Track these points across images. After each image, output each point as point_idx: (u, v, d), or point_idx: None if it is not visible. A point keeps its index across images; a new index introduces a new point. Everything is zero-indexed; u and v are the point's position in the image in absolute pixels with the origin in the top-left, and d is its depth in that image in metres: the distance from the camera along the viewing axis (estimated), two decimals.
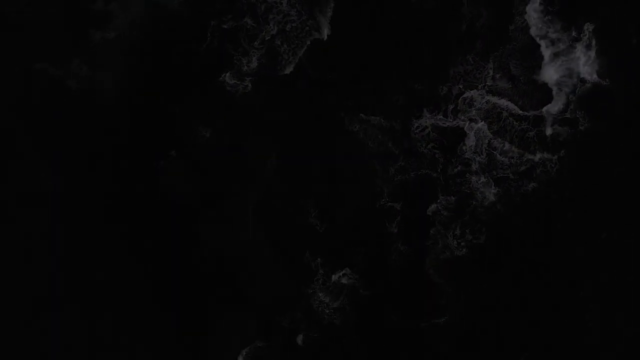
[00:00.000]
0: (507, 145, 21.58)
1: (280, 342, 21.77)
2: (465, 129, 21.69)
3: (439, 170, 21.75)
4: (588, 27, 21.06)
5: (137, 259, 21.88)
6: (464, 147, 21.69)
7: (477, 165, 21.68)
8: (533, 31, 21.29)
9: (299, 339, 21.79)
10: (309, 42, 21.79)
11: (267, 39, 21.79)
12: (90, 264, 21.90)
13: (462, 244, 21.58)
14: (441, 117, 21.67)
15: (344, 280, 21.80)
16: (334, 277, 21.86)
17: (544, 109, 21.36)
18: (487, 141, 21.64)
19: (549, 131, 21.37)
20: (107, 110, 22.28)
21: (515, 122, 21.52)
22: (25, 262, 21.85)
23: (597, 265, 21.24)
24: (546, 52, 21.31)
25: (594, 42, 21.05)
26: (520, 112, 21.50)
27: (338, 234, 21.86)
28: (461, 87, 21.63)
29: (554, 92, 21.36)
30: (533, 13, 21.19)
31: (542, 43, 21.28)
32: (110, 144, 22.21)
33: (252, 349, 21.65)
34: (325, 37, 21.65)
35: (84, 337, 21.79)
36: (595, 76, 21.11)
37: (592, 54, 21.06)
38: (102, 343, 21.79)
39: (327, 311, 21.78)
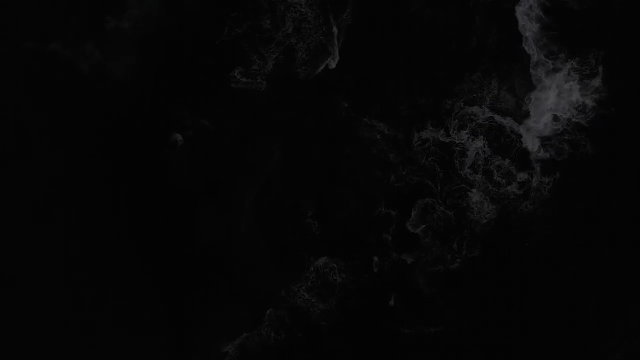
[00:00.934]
0: (506, 163, 21.92)
1: (267, 337, 21.85)
2: (465, 144, 22.01)
3: (437, 184, 22.03)
4: (594, 54, 21.52)
5: (134, 243, 22.06)
6: (463, 163, 22.01)
7: (475, 181, 22.00)
8: (537, 54, 21.73)
9: (279, 335, 21.93)
10: (322, 66, 22.22)
11: (283, 40, 22.18)
12: (88, 245, 22.03)
13: (457, 256, 21.80)
14: (443, 132, 22.02)
15: (334, 283, 21.95)
16: (325, 278, 22.01)
17: (542, 130, 21.72)
18: (486, 158, 21.98)
19: (545, 152, 21.73)
20: (116, 97, 22.53)
21: (515, 141, 21.88)
22: (24, 238, 22.00)
23: (591, 284, 21.46)
24: (550, 75, 21.73)
25: (599, 69, 21.48)
26: (521, 132, 21.86)
27: (333, 237, 22.08)
28: (464, 102, 21.99)
29: (554, 115, 21.74)
30: (535, 34, 21.67)
31: (547, 65, 21.71)
32: (116, 130, 22.44)
33: (239, 341, 21.73)
34: (337, 55, 22.09)
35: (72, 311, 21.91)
36: (596, 102, 21.51)
37: (597, 80, 21.49)
38: (90, 325, 21.85)
39: (315, 311, 21.90)
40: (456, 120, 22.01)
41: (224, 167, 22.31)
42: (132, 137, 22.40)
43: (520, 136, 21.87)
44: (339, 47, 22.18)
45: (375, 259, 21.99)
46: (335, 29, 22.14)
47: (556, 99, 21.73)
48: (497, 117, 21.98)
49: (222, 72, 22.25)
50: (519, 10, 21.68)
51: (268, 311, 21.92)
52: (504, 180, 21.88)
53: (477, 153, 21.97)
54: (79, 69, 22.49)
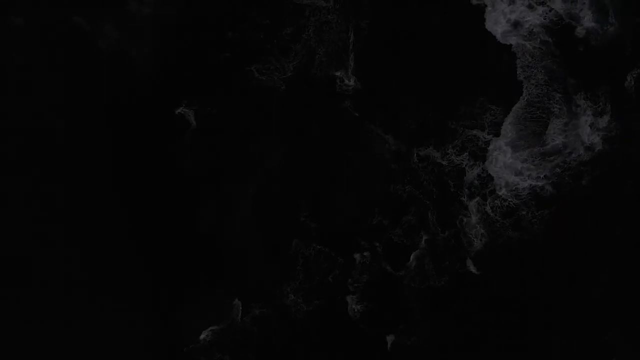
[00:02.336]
0: (502, 190, 22.26)
1: (250, 330, 21.95)
2: (464, 167, 22.37)
3: (432, 202, 22.35)
4: (603, 95, 22.04)
5: (132, 222, 22.29)
6: (460, 185, 22.36)
7: (470, 205, 22.33)
8: (545, 89, 22.22)
9: (262, 330, 22.03)
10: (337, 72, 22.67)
11: (304, 41, 22.60)
12: (89, 222, 22.23)
13: (443, 275, 22.07)
14: (442, 153, 22.37)
15: (321, 285, 22.15)
16: (312, 280, 22.20)
17: (542, 164, 22.11)
18: (482, 183, 22.33)
19: (541, 184, 22.09)
20: (129, 77, 22.77)
21: (508, 167, 22.24)
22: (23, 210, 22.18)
23: (571, 317, 21.84)
24: (556, 111, 22.21)
25: (608, 107, 21.98)
26: (516, 158, 22.23)
27: (326, 239, 22.32)
28: (467, 125, 22.38)
29: (554, 151, 22.15)
30: (544, 70, 22.16)
31: (554, 101, 22.19)
32: (124, 110, 22.64)
33: (222, 328, 21.82)
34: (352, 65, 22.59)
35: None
36: (599, 143, 21.96)
37: (605, 118, 21.94)
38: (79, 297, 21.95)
39: (299, 311, 22.03)
40: (458, 141, 22.40)
41: (229, 159, 22.57)
42: (140, 118, 22.60)
43: (518, 166, 22.22)
44: (355, 56, 22.61)
45: (362, 260, 22.22)
46: (352, 37, 22.61)
47: (558, 134, 22.12)
48: (498, 143, 22.35)
49: (238, 67, 22.59)
50: (530, 45, 22.21)
51: (254, 305, 22.04)
52: (497, 207, 22.19)
53: (474, 177, 22.32)
54: (96, 45, 22.75)
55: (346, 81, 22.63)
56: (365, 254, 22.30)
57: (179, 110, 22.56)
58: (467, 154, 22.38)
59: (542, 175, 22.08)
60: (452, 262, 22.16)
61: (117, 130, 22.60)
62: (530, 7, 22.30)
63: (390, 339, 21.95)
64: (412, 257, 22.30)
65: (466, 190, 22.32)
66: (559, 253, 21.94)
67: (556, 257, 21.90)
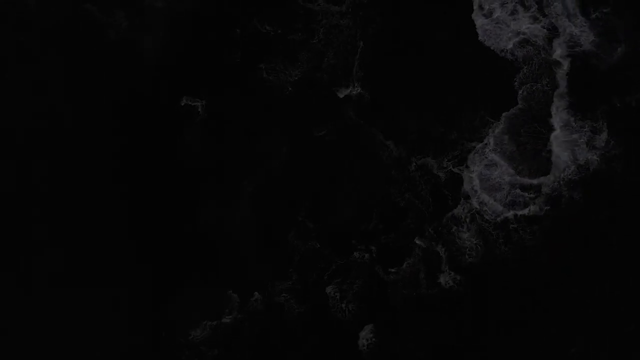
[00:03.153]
0: (495, 204, 22.47)
1: (242, 326, 22.05)
2: (463, 177, 22.60)
3: (429, 210, 22.55)
4: (602, 113, 22.31)
5: (132, 210, 22.48)
6: (456, 197, 22.58)
7: (464, 217, 22.51)
8: (544, 105, 22.51)
9: (253, 327, 22.14)
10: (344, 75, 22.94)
11: (314, 44, 22.86)
12: (86, 211, 22.39)
13: (434, 284, 22.22)
14: (440, 164, 22.59)
15: (315, 286, 22.31)
16: (306, 281, 22.37)
17: (537, 181, 22.33)
18: (477, 196, 22.54)
19: (532, 205, 22.28)
20: (137, 68, 23.01)
21: (505, 182, 22.45)
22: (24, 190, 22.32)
23: (557, 325, 22.00)
24: (555, 127, 22.47)
25: (605, 127, 22.24)
26: (514, 175, 22.45)
27: (323, 239, 22.47)
28: (468, 138, 22.63)
29: (552, 167, 22.39)
30: (547, 88, 22.47)
31: (552, 117, 22.47)
32: (131, 100, 22.86)
33: (215, 324, 21.99)
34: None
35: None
36: (595, 162, 22.19)
37: (600, 139, 22.19)
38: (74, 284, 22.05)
39: (292, 312, 22.14)
40: (457, 152, 22.64)
41: (232, 154, 22.77)
42: (145, 110, 22.80)
43: (516, 181, 22.45)
44: (361, 62, 22.87)
45: (356, 262, 22.38)
46: (360, 44, 22.88)
47: (557, 150, 22.38)
48: (496, 157, 22.59)
49: (247, 66, 22.85)
50: (530, 60, 22.52)
51: (248, 301, 22.16)
52: (491, 219, 22.37)
53: (471, 188, 22.53)
54: (106, 34, 22.98)
55: (351, 87, 22.84)
56: (359, 256, 22.41)
57: (184, 103, 22.76)
58: (465, 165, 22.59)
59: (536, 189, 22.28)
60: (444, 272, 22.27)
61: (120, 120, 22.82)
62: (532, 21, 22.59)
63: (364, 335, 21.98)
64: (405, 264, 22.43)
65: (462, 200, 22.49)
66: (550, 268, 22.06)
67: (547, 273, 22.03)
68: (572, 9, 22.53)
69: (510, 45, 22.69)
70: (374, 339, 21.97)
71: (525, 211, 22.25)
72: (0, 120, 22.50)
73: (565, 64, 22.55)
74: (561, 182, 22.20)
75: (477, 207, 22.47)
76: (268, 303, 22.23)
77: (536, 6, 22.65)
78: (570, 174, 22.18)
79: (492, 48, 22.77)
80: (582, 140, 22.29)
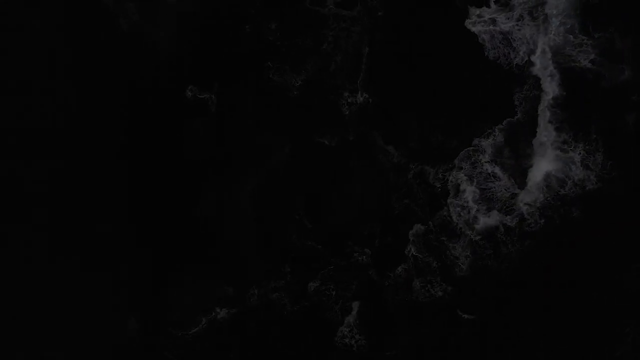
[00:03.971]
0: (489, 215, 22.81)
1: (236, 321, 22.27)
2: (459, 187, 22.94)
3: (425, 218, 22.89)
4: (599, 133, 22.75)
5: (132, 198, 22.79)
6: (453, 204, 22.91)
7: (459, 224, 22.85)
8: (543, 123, 22.94)
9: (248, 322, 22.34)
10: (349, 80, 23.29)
11: (324, 47, 23.22)
12: (89, 193, 22.63)
13: (427, 292, 22.53)
14: (440, 172, 22.94)
15: (309, 288, 22.56)
16: (299, 282, 22.62)
17: (524, 196, 22.72)
18: (472, 205, 22.90)
19: (526, 220, 22.66)
20: (146, 60, 23.27)
21: (501, 194, 22.83)
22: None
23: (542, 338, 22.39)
24: (552, 144, 22.90)
25: (601, 147, 22.65)
26: (511, 187, 22.82)
27: (318, 240, 22.83)
28: (469, 147, 23.02)
29: (543, 182, 22.78)
30: (550, 106, 22.88)
31: (551, 135, 22.90)
32: (139, 91, 23.15)
33: (211, 317, 22.27)
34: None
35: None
36: (590, 181, 22.57)
37: (596, 160, 22.63)
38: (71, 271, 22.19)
39: (285, 309, 22.37)
40: (456, 162, 23.01)
41: (236, 149, 23.09)
42: (152, 101, 23.07)
43: (512, 194, 22.81)
44: (367, 67, 23.23)
45: (350, 264, 22.66)
46: (367, 49, 23.25)
47: (549, 166, 22.77)
48: (494, 168, 22.95)
49: (255, 64, 23.14)
50: (532, 76, 22.97)
51: (242, 297, 22.37)
52: (483, 231, 22.69)
53: (466, 199, 22.87)
54: (118, 24, 23.18)
55: (356, 91, 23.22)
56: (353, 258, 22.69)
57: (190, 96, 22.99)
58: (462, 174, 22.94)
59: (529, 205, 22.67)
60: (435, 281, 22.57)
61: (128, 110, 23.11)
62: (535, 35, 23.01)
63: (354, 335, 22.20)
64: (399, 269, 22.72)
65: (458, 209, 22.83)
66: (537, 282, 22.45)
67: (535, 287, 22.42)
68: (573, 26, 22.96)
69: (513, 59, 23.11)
70: (363, 341, 22.25)
71: (519, 224, 22.60)
72: (13, 103, 22.67)
73: (564, 81, 22.96)
74: (555, 198, 22.58)
75: (471, 217, 22.83)
76: (262, 299, 22.49)
77: (541, 20, 23.08)
78: (564, 191, 22.55)
79: (496, 61, 23.15)
80: (577, 158, 22.71)
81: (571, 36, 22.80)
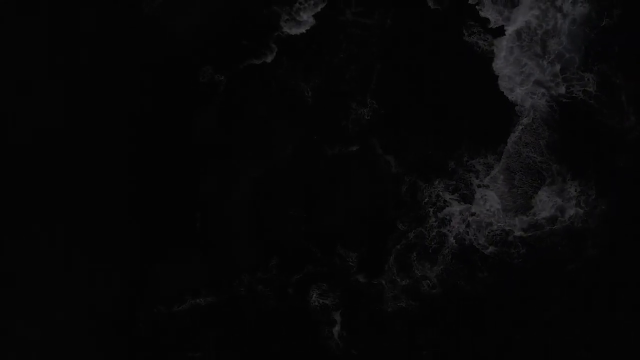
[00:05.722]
0: (477, 238, 23.17)
1: (219, 307, 23.15)
2: (451, 206, 23.29)
3: (414, 231, 23.35)
4: (592, 171, 22.92)
5: (135, 178, 23.62)
6: (443, 221, 23.32)
7: (440, 239, 23.29)
8: (540, 155, 23.17)
9: (231, 311, 23.14)
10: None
11: (341, 56, 23.72)
12: (91, 175, 23.45)
13: (398, 301, 23.11)
14: (436, 189, 23.31)
15: (293, 283, 23.29)
16: (286, 276, 23.34)
17: (511, 224, 23.04)
18: (461, 226, 23.27)
19: (513, 248, 22.99)
20: (166, 45, 23.88)
21: (488, 219, 23.18)
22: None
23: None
24: (546, 178, 23.14)
25: (593, 184, 22.85)
26: (499, 214, 23.16)
27: (308, 238, 23.50)
28: (465, 169, 23.35)
29: (538, 214, 23.06)
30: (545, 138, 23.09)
31: (547, 170, 23.13)
32: (156, 75, 23.84)
33: (196, 302, 23.10)
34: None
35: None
36: (578, 218, 22.84)
37: (588, 198, 22.82)
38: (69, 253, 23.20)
39: (268, 304, 23.11)
40: (453, 182, 23.36)
41: (240, 140, 23.72)
42: (166, 82, 23.75)
43: (499, 221, 23.14)
44: (378, 78, 23.59)
45: (336, 266, 23.36)
46: (379, 61, 23.60)
47: (543, 198, 23.04)
48: (487, 195, 23.26)
49: (273, 60, 23.71)
50: (532, 109, 23.16)
51: (229, 285, 23.23)
52: (468, 253, 23.11)
53: (457, 220, 23.24)
54: (140, 7, 23.73)
55: (365, 102, 23.70)
56: (340, 261, 23.30)
57: (203, 81, 23.57)
58: (457, 195, 23.28)
59: (519, 231, 23.01)
60: (403, 296, 23.12)
61: (141, 91, 23.80)
62: (540, 68, 23.14)
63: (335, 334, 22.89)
64: (383, 276, 23.25)
65: (447, 227, 23.23)
66: (508, 312, 22.90)
67: (505, 316, 22.86)
68: (573, 60, 23.06)
69: (517, 91, 23.32)
70: (344, 341, 22.92)
71: (499, 251, 22.99)
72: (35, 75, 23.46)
73: (562, 116, 23.12)
74: (544, 230, 22.90)
75: (454, 237, 23.25)
76: (247, 289, 23.20)
77: (549, 54, 23.19)
78: (551, 226, 22.86)
79: (503, 91, 23.40)
80: (572, 194, 22.94)
81: (572, 70, 22.93)
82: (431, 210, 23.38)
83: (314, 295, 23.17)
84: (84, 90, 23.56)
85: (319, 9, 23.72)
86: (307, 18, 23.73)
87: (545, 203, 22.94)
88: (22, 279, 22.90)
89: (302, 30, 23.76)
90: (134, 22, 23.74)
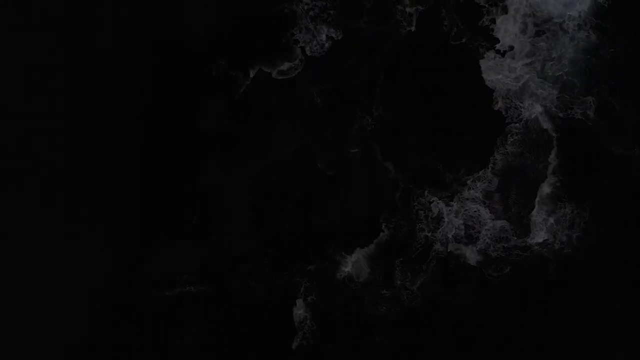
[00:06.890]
0: (467, 251, 23.35)
1: (210, 296, 23.56)
2: (444, 217, 23.51)
3: (405, 241, 23.63)
4: (586, 196, 23.05)
5: (140, 162, 24.16)
6: (435, 230, 23.55)
7: (438, 254, 23.51)
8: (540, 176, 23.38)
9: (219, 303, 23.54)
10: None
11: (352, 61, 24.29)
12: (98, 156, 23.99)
13: (380, 306, 23.32)
14: (429, 200, 23.62)
15: (283, 279, 23.67)
16: (276, 272, 23.72)
17: (513, 242, 23.19)
18: (451, 239, 23.49)
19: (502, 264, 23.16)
20: (180, 37, 24.49)
21: (483, 236, 23.38)
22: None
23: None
24: (540, 199, 23.33)
25: (587, 208, 22.99)
26: (493, 230, 23.34)
27: (303, 236, 23.83)
28: (461, 182, 23.61)
29: (530, 234, 23.21)
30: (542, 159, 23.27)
31: (541, 191, 23.35)
32: (170, 65, 24.42)
33: (184, 289, 23.55)
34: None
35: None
36: (569, 241, 22.97)
37: (579, 222, 22.93)
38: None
39: (258, 298, 23.51)
40: (448, 193, 23.61)
41: (247, 131, 24.16)
42: (179, 71, 24.30)
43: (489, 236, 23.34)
44: (385, 86, 24.11)
45: (325, 267, 23.67)
46: (382, 76, 24.15)
47: (539, 224, 23.19)
48: (480, 211, 23.47)
49: (285, 63, 24.31)
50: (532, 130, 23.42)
51: (221, 274, 23.66)
52: (457, 266, 23.30)
53: (448, 232, 23.46)
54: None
55: (369, 110, 24.16)
56: (329, 263, 23.67)
57: (216, 74, 24.08)
58: (449, 207, 23.49)
59: (510, 249, 23.13)
60: (383, 302, 23.39)
61: (153, 77, 24.36)
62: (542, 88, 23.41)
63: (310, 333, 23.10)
64: (372, 281, 23.49)
65: (437, 239, 23.46)
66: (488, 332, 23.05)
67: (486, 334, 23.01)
68: (574, 84, 23.33)
69: (521, 112, 23.63)
70: (325, 340, 23.21)
71: (483, 267, 23.15)
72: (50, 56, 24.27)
73: (561, 139, 23.34)
74: (535, 250, 23.00)
75: (448, 249, 23.45)
76: (238, 281, 23.54)
77: (551, 75, 23.51)
78: (546, 246, 22.96)
79: (506, 108, 23.71)
80: (564, 218, 23.06)
81: (573, 94, 23.18)
82: (422, 218, 23.59)
83: (301, 293, 23.40)
84: (92, 79, 24.19)
85: (333, 16, 24.33)
86: (321, 25, 24.34)
87: (538, 224, 23.04)
88: (16, 255, 23.40)
89: (317, 37, 24.34)
90: (150, 14, 24.40)
